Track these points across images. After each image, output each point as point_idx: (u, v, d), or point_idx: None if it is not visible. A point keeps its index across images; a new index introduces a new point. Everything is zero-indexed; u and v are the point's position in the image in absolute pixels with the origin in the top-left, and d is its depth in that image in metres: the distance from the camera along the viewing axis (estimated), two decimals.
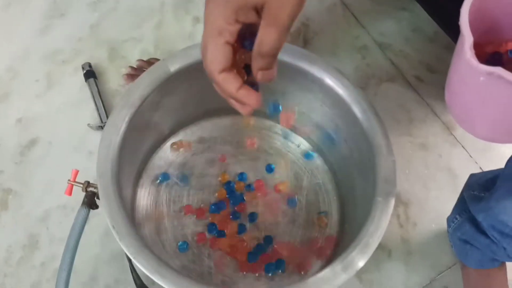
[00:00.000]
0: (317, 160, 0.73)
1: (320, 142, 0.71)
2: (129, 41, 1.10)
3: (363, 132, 0.60)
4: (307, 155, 0.72)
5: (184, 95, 0.66)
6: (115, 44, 1.09)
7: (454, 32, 1.11)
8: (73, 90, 1.03)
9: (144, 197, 0.68)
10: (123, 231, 0.50)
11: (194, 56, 0.61)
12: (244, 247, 0.66)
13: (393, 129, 1.06)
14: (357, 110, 0.60)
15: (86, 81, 1.03)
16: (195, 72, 0.63)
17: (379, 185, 0.56)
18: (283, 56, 0.62)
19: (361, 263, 0.52)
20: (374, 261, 0.93)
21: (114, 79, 1.05)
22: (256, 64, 0.45)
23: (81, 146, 0.98)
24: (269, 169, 0.72)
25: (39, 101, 1.02)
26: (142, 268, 0.49)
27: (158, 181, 0.70)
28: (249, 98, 0.46)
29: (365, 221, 0.54)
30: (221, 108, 0.73)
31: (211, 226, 0.67)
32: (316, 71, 0.62)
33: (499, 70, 0.43)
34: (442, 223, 0.96)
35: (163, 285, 0.48)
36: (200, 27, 1.14)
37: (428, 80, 1.13)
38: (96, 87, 1.02)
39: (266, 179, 0.72)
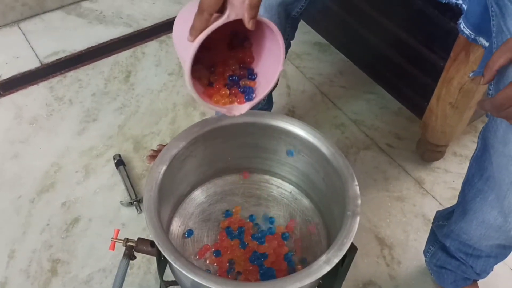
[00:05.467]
0: (305, 201, 0.94)
1: (306, 186, 0.93)
2: (150, 135, 1.35)
3: (334, 169, 0.81)
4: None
5: (200, 157, 0.88)
6: (139, 138, 1.34)
7: (413, 107, 1.36)
8: (106, 176, 1.26)
9: (174, 237, 0.88)
10: (165, 246, 0.70)
11: (208, 126, 0.85)
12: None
13: (372, 187, 1.28)
14: (328, 154, 0.82)
15: (117, 168, 1.26)
16: (208, 138, 0.86)
17: (348, 203, 0.76)
18: (271, 121, 0.86)
19: (337, 258, 0.71)
20: None
21: (139, 165, 1.29)
22: (248, 15, 0.62)
23: (115, 219, 1.18)
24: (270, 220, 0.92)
25: (79, 187, 1.24)
26: (182, 270, 0.67)
27: (186, 235, 0.90)
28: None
29: (340, 229, 0.74)
30: (228, 167, 0.95)
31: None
32: (296, 129, 0.85)
33: None
34: (422, 260, 1.14)
35: (201, 282, 0.66)
36: None
37: (398, 146, 1.36)
38: (125, 172, 1.25)
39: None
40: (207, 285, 0.68)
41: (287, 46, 1.08)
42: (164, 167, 0.80)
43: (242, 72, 0.75)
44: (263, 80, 0.74)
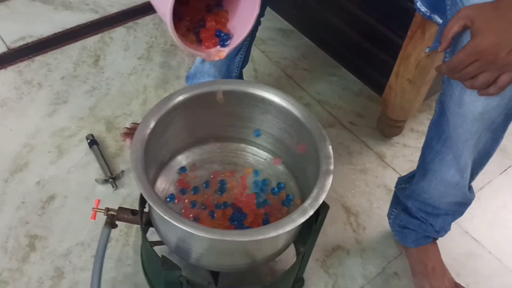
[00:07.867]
0: (280, 167, 1.00)
1: (280, 152, 0.99)
2: (122, 116, 1.38)
3: (308, 131, 0.87)
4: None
5: (180, 125, 0.92)
6: (111, 119, 1.37)
7: (374, 85, 1.45)
8: (80, 155, 1.28)
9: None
10: (154, 200, 0.74)
11: (187, 93, 0.89)
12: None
13: (337, 161, 1.34)
14: (301, 117, 0.89)
15: (90, 148, 1.28)
16: (188, 106, 0.91)
17: (322, 160, 0.83)
18: (247, 89, 0.92)
19: (313, 209, 0.77)
20: (337, 259, 1.17)
21: (112, 144, 1.31)
22: None
23: (91, 196, 1.21)
24: None
25: (53, 166, 1.25)
26: (171, 220, 0.72)
27: (168, 199, 0.94)
28: None
29: (315, 182, 0.80)
30: (206, 136, 1.00)
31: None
32: (270, 96, 0.91)
33: None
34: (385, 226, 1.22)
35: (190, 230, 0.71)
36: None
37: (359, 123, 1.44)
38: (99, 151, 1.27)
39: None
40: (196, 233, 0.72)
41: (258, 23, 1.14)
42: (149, 131, 0.84)
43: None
44: (240, 26, 0.80)
